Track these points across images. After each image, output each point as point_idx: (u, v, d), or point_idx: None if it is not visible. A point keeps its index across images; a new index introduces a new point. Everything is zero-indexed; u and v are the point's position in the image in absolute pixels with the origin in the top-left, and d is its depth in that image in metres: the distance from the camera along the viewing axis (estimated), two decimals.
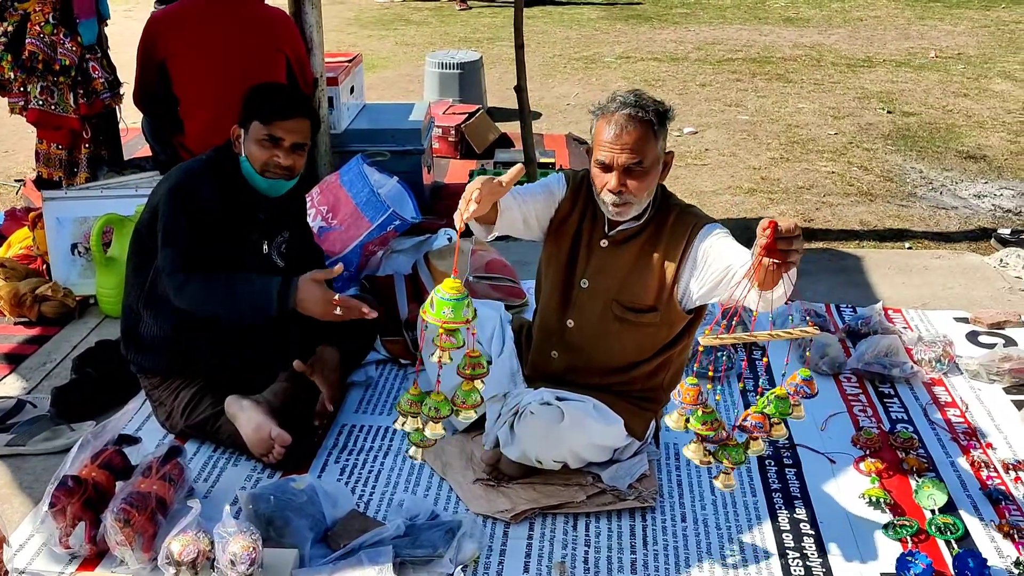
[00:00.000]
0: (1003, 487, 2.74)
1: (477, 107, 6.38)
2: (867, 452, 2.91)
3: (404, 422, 2.14)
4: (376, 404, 3.17)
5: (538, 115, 7.12)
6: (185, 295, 2.67)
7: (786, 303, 2.09)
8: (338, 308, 2.50)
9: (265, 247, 2.88)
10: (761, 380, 3.35)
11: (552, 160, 5.51)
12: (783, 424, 2.18)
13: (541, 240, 2.71)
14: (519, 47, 4.29)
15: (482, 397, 2.13)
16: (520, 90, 4.40)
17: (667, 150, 2.49)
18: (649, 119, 2.39)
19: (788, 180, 5.67)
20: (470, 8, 11.08)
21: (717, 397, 2.38)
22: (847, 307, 3.85)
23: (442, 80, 6.83)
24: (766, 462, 2.88)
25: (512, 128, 6.02)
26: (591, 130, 2.50)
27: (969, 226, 5.01)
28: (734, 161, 6.03)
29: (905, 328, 3.68)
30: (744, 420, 2.16)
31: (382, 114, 5.15)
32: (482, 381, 2.11)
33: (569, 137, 6.42)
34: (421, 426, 2.13)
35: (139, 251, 2.84)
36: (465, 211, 2.12)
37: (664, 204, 2.57)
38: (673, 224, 2.52)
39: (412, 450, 2.20)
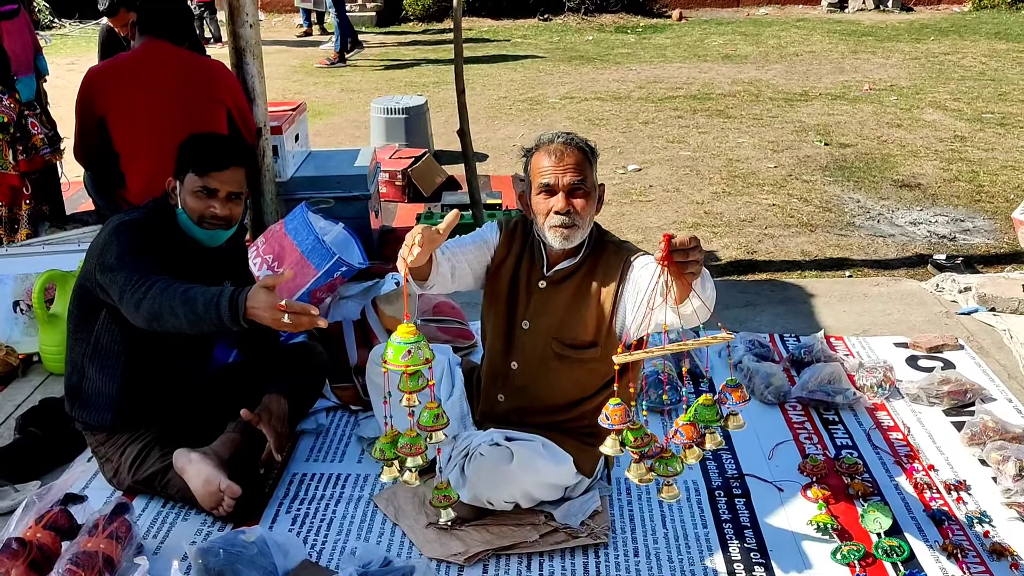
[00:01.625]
0: (946, 508, 2.81)
1: (423, 151, 6.44)
2: (814, 479, 2.96)
3: (389, 471, 2.21)
4: (327, 452, 3.16)
5: (484, 157, 7.20)
6: (145, 307, 2.50)
7: (723, 330, 2.10)
8: (286, 316, 2.42)
9: None
10: None
11: (499, 201, 5.57)
12: (716, 433, 2.28)
13: (481, 290, 2.77)
14: (460, 92, 4.35)
15: (424, 445, 2.15)
16: (463, 134, 4.46)
17: (599, 183, 2.61)
18: (583, 147, 2.54)
19: (731, 213, 5.78)
20: (345, 64, 10.91)
21: (644, 413, 2.41)
22: (790, 336, 3.93)
23: (388, 125, 6.89)
24: (716, 493, 2.92)
25: (459, 171, 6.07)
26: (525, 169, 2.60)
27: (906, 253, 5.15)
28: (678, 196, 6.14)
29: (847, 355, 3.76)
30: (675, 433, 2.20)
31: (328, 161, 5.18)
32: (444, 432, 2.14)
33: (515, 178, 6.49)
34: (407, 468, 2.20)
35: (82, 305, 2.82)
36: (409, 256, 2.18)
37: (599, 241, 2.65)
38: (607, 259, 2.59)
39: (407, 476, 2.23)
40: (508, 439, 2.60)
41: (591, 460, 2.74)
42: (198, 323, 2.44)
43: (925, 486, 2.91)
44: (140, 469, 2.81)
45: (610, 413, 2.08)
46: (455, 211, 2.24)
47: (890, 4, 14.44)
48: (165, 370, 2.85)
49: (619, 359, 2.02)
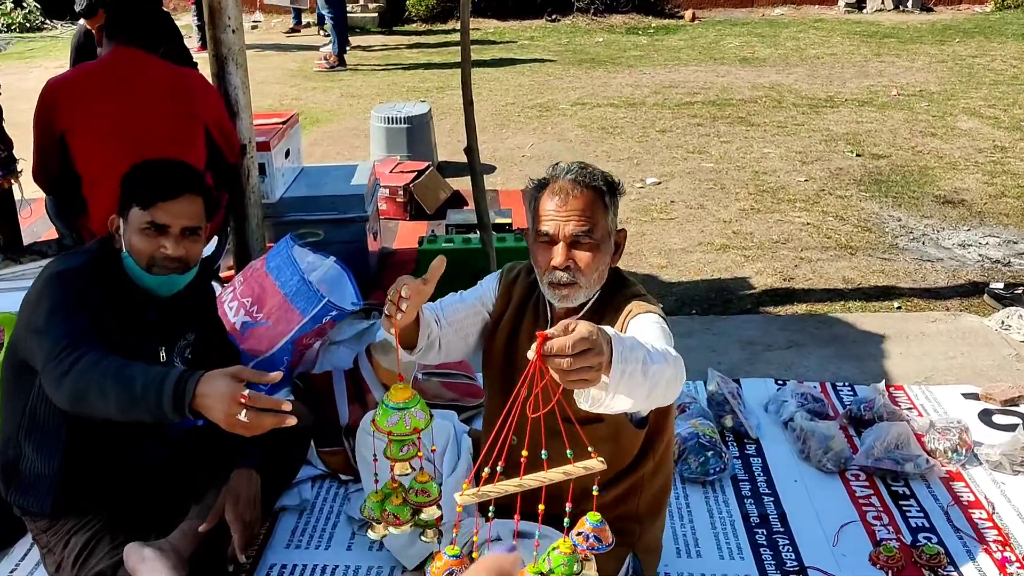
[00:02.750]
0: None
1: (427, 164, 5.96)
2: (889, 573, 2.49)
3: (376, 528, 1.93)
4: (312, 535, 2.69)
5: (492, 168, 6.72)
6: (68, 383, 2.03)
7: (593, 456, 1.57)
8: (243, 412, 1.86)
9: (163, 354, 2.39)
10: (759, 481, 2.93)
11: (509, 220, 5.09)
12: None
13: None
14: (468, 104, 3.88)
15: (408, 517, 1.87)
16: (470, 151, 3.99)
17: (619, 227, 2.17)
18: (598, 186, 2.10)
19: (761, 233, 5.30)
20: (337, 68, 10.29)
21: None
22: (845, 386, 3.45)
23: (389, 136, 6.41)
24: None
25: (465, 184, 5.59)
26: (530, 207, 2.15)
27: (958, 280, 4.66)
28: (702, 214, 5.66)
29: (911, 409, 3.29)
30: None
31: (322, 178, 4.71)
32: (430, 512, 1.86)
33: (526, 192, 6.01)
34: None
35: (14, 368, 2.35)
36: (396, 313, 1.85)
37: (611, 293, 2.18)
38: (612, 313, 2.13)
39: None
40: (521, 534, 2.11)
41: (614, 562, 2.24)
42: (131, 409, 1.96)
43: None
44: (86, 566, 2.33)
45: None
46: (439, 258, 1.88)
47: (910, 4, 13.91)
48: (115, 445, 2.38)
49: (462, 499, 1.52)
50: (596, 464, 1.54)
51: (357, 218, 4.39)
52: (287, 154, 4.57)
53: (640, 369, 1.60)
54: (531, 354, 1.44)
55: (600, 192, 2.09)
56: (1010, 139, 7.14)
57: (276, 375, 1.99)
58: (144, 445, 2.43)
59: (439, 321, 2.21)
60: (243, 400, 1.83)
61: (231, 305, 2.99)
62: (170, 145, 3.30)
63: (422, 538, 1.89)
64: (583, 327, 1.46)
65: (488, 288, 2.33)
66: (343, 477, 2.89)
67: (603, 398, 1.57)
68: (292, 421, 1.87)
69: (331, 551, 2.61)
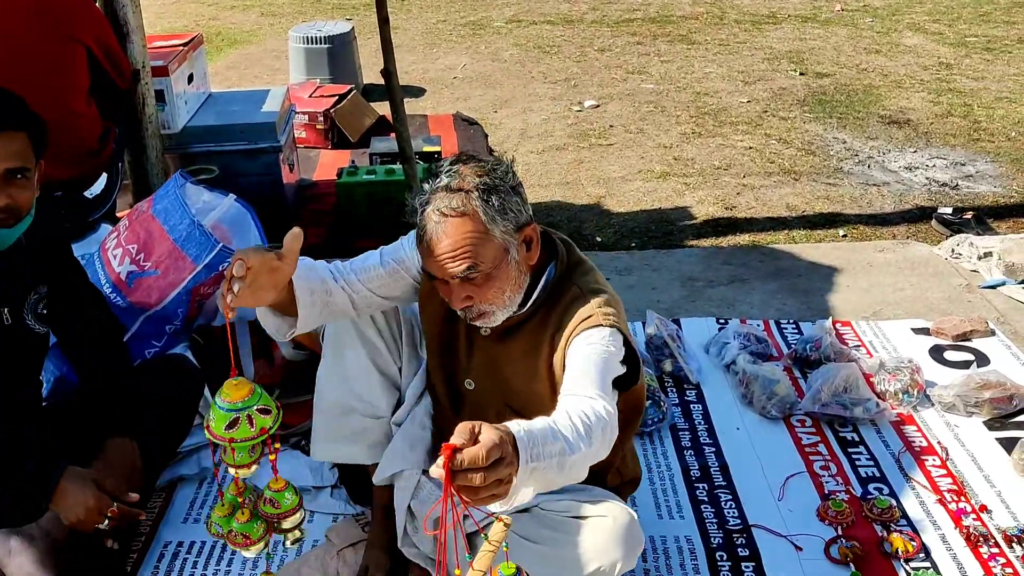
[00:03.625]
0: (1011, 571, 2.18)
1: (350, 87, 5.57)
2: (838, 530, 2.32)
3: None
4: (213, 507, 2.43)
5: (422, 91, 6.36)
6: None
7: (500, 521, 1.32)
8: (104, 522, 1.87)
9: (7, 316, 2.06)
10: (700, 431, 2.73)
11: (438, 148, 4.76)
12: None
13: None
14: (383, 21, 3.52)
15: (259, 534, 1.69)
16: (388, 74, 3.64)
17: (523, 223, 1.76)
18: (470, 208, 1.69)
19: (703, 159, 5.06)
20: None
21: None
22: (789, 324, 3.26)
23: (309, 57, 5.99)
24: (717, 555, 2.26)
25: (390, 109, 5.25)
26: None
27: (905, 204, 4.49)
28: (642, 139, 5.39)
29: (859, 347, 3.11)
30: None
31: (230, 105, 4.32)
32: (292, 521, 1.68)
33: (457, 117, 5.67)
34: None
35: None
36: (229, 295, 1.56)
37: (563, 280, 1.85)
38: (564, 312, 1.81)
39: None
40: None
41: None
42: None
43: (980, 538, 2.28)
44: None
45: None
46: (295, 230, 1.61)
47: None
48: None
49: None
50: (499, 534, 1.29)
51: (269, 148, 4.03)
52: (190, 79, 4.17)
53: (556, 463, 1.41)
54: (436, 471, 1.20)
55: (474, 215, 1.70)
56: (955, 55, 6.96)
57: (134, 497, 1.95)
58: (13, 404, 2.12)
59: (347, 290, 1.90)
60: (111, 514, 1.81)
61: (115, 253, 2.66)
62: (44, 74, 2.93)
63: (285, 544, 1.70)
64: (489, 433, 1.26)
65: (409, 251, 1.93)
66: None
67: (509, 502, 1.34)
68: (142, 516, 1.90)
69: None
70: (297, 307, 1.77)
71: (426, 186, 1.74)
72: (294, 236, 1.61)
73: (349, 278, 1.90)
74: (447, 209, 1.69)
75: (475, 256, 1.69)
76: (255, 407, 1.54)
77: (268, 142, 4.05)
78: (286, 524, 1.67)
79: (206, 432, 1.55)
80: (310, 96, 5.35)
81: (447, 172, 1.73)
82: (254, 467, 1.61)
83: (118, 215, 3.79)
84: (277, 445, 1.63)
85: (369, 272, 1.92)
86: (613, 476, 2.04)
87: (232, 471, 1.60)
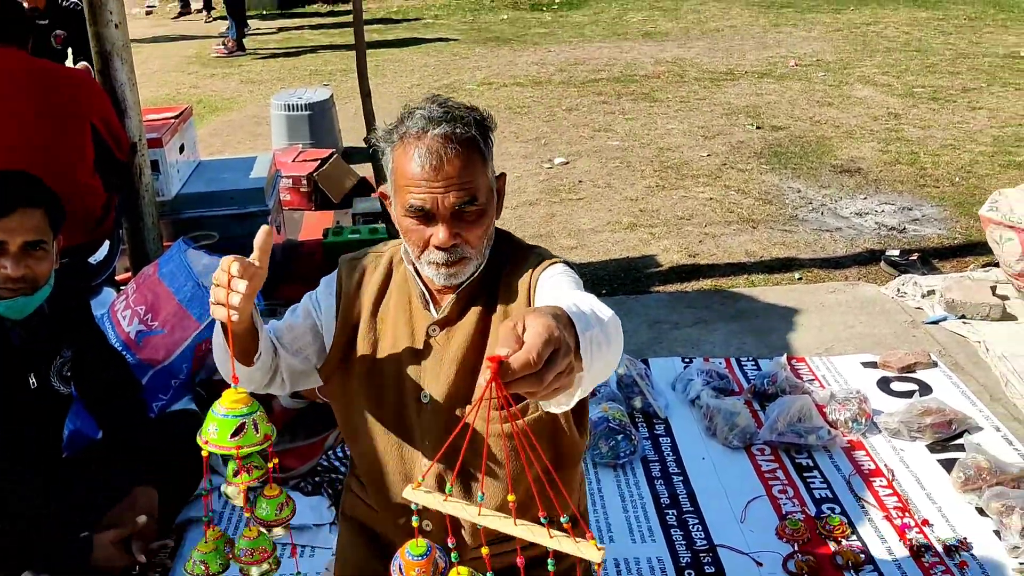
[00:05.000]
0: None
1: (331, 151, 5.85)
2: (795, 546, 2.56)
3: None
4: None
5: None
6: None
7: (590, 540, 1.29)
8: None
9: (33, 381, 2.27)
10: (669, 461, 2.97)
11: None
12: None
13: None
14: (365, 96, 3.81)
15: (274, 546, 1.62)
16: (370, 143, 3.91)
17: (498, 174, 1.72)
18: (472, 135, 1.62)
19: (667, 210, 5.36)
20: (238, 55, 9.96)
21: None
22: (749, 361, 3.52)
23: (290, 123, 6.27)
24: (686, 573, 2.49)
25: (372, 171, 5.52)
26: (383, 156, 1.71)
27: (856, 248, 4.79)
28: (609, 192, 5.69)
29: (812, 380, 3.37)
30: None
31: (219, 172, 4.57)
32: (285, 527, 1.62)
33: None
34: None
35: None
36: (227, 299, 1.47)
37: (500, 244, 1.76)
38: (510, 274, 1.72)
39: None
40: None
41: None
42: None
43: (923, 548, 2.52)
44: None
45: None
46: (264, 228, 1.53)
47: None
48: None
49: (408, 494, 1.24)
50: (594, 553, 1.16)
51: (258, 212, 4.28)
52: (181, 149, 4.42)
53: (601, 334, 1.28)
54: (483, 380, 1.06)
55: (476, 143, 1.62)
56: (903, 106, 7.36)
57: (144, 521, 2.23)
58: (36, 457, 2.33)
59: (283, 341, 1.76)
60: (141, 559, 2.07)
61: (124, 314, 2.89)
62: (56, 150, 3.18)
63: (249, 536, 1.60)
64: (537, 325, 1.11)
65: (322, 295, 1.80)
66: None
67: (575, 392, 1.27)
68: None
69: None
70: (258, 338, 1.62)
71: (410, 115, 1.65)
72: (265, 233, 1.50)
73: (278, 332, 1.78)
74: (454, 134, 1.59)
75: (476, 188, 1.61)
76: (258, 413, 1.48)
77: (257, 206, 4.30)
78: (280, 531, 1.60)
79: (204, 447, 1.46)
80: (293, 160, 5.62)
81: (440, 103, 1.64)
82: (259, 480, 1.54)
83: (117, 279, 4.02)
84: (275, 460, 1.57)
85: (289, 326, 1.78)
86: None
87: (234, 488, 1.53)
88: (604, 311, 1.39)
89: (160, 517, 2.40)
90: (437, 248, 1.62)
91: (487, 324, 1.71)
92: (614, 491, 2.83)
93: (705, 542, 2.60)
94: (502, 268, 1.73)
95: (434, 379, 1.71)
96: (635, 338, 3.74)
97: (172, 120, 4.35)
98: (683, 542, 2.60)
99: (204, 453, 1.47)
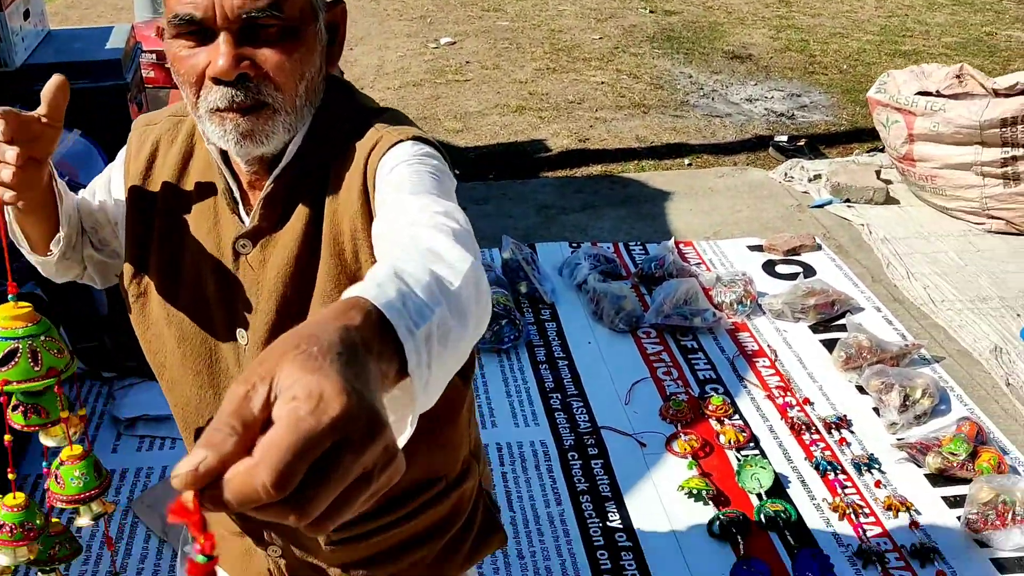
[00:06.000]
0: (829, 453, 2.43)
1: None
2: (678, 427, 2.52)
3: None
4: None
5: None
6: None
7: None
8: None
9: None
10: (554, 346, 2.88)
11: None
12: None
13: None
14: None
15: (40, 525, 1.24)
16: None
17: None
18: None
19: (557, 94, 5.19)
20: None
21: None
22: (637, 246, 3.44)
23: None
24: (569, 455, 2.43)
25: None
26: None
27: (745, 135, 4.75)
28: (498, 75, 5.48)
29: (699, 264, 3.32)
30: None
31: (72, 43, 4.16)
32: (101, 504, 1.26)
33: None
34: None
35: None
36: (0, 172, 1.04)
37: (334, 111, 1.15)
38: (345, 155, 1.12)
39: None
40: None
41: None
42: None
43: (803, 427, 2.52)
44: None
45: None
46: (58, 77, 1.10)
47: None
48: None
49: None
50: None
51: (114, 87, 3.92)
52: (27, 15, 3.99)
53: (452, 316, 0.78)
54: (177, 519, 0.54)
55: None
56: None
57: None
58: None
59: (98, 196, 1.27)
60: None
61: None
62: None
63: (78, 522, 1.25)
64: (288, 404, 0.54)
65: (116, 169, 1.27)
66: (105, 375, 2.63)
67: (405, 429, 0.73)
68: None
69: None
70: (59, 198, 1.16)
71: None
72: (57, 86, 1.07)
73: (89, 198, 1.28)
74: None
75: None
76: (43, 338, 1.11)
77: (113, 79, 3.93)
78: (90, 512, 1.25)
79: None
80: (157, 35, 5.18)
81: None
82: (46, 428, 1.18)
83: None
84: (82, 411, 1.24)
85: (86, 203, 1.27)
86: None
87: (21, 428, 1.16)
88: (457, 262, 0.85)
89: None
90: (216, 82, 1.03)
91: (318, 236, 1.12)
92: (498, 376, 2.74)
93: (589, 425, 2.54)
94: (336, 144, 1.13)
95: (251, 314, 1.17)
96: (522, 223, 3.62)
97: None
98: (567, 425, 2.54)
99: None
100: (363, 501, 0.57)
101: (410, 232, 0.92)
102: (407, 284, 0.75)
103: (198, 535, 0.55)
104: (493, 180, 4.11)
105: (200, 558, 0.56)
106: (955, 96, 3.47)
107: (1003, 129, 3.30)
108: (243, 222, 1.15)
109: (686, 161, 4.40)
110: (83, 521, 1.24)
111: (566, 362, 2.82)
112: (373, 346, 0.65)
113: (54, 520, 1.32)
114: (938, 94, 3.49)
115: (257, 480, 0.52)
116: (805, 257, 3.37)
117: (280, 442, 0.52)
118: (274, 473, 0.51)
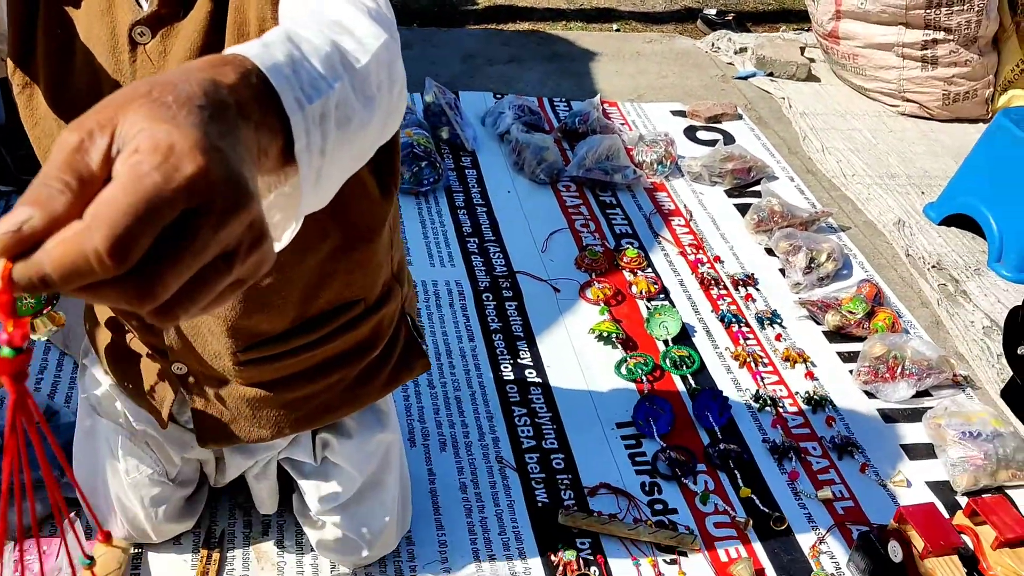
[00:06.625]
0: (735, 307, 2.50)
1: None
2: (593, 275, 2.56)
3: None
4: None
5: None
6: None
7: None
8: None
9: None
10: (474, 192, 2.86)
11: None
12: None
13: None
14: None
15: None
16: None
17: None
18: None
19: None
20: None
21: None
22: (561, 102, 3.41)
23: None
24: (484, 296, 2.44)
25: None
26: None
27: (675, 5, 4.69)
28: None
29: (623, 124, 3.32)
30: None
31: None
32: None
33: None
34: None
35: None
36: None
37: None
38: None
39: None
40: None
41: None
42: None
43: (712, 282, 2.59)
44: None
45: None
46: None
47: None
48: None
49: None
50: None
51: None
52: None
53: (354, 95, 0.67)
54: None
55: None
56: None
57: None
58: None
59: None
60: None
61: None
62: None
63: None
64: (133, 155, 0.45)
65: None
66: (2, 188, 2.50)
67: (286, 231, 0.64)
68: None
69: None
70: None
71: None
72: None
73: None
74: None
75: None
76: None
77: None
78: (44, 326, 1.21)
79: None
80: None
81: None
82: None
83: None
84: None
85: None
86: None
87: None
88: (367, 38, 0.73)
89: None
90: None
91: (222, 27, 1.01)
92: (415, 217, 2.71)
93: (505, 269, 2.55)
94: None
95: None
96: (446, 70, 3.53)
97: None
98: (483, 268, 2.54)
99: None
100: (225, 290, 0.48)
101: (317, 5, 0.80)
102: (300, 50, 0.62)
103: (6, 320, 0.45)
104: (418, 26, 3.98)
105: (6, 351, 0.46)
106: None
107: (927, 11, 3.33)
108: (141, 6, 1.02)
109: (614, 27, 4.34)
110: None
111: (485, 209, 2.80)
112: (251, 114, 0.52)
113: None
114: None
115: (88, 245, 0.42)
116: (726, 125, 3.40)
117: (116, 201, 0.43)
118: (109, 237, 0.42)
